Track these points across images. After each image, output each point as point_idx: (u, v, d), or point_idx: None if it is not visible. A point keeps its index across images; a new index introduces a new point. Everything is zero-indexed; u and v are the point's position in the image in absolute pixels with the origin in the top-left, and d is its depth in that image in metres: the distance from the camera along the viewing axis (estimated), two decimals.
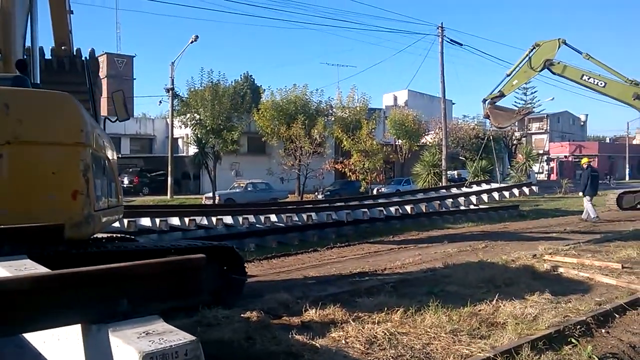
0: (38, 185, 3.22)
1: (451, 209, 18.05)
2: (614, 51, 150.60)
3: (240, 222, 12.41)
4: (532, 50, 14.87)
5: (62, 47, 6.29)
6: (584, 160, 18.46)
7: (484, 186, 20.24)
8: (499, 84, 15.37)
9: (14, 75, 3.69)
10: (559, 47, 14.68)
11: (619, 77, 14.76)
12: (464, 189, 19.79)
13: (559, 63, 14.72)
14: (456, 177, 32.13)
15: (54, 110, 3.32)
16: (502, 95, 15.21)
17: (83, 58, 6.17)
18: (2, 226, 2.52)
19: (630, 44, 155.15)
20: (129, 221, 10.50)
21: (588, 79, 14.69)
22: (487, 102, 15.37)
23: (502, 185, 20.39)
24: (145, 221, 11.25)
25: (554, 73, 15.14)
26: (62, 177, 3.28)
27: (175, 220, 11.65)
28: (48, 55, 6.14)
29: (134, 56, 54.36)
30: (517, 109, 15.84)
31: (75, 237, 3.34)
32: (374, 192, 29.75)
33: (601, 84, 14.63)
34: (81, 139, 3.36)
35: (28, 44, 4.92)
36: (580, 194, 17.39)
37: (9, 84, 3.38)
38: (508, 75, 15.22)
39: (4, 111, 3.09)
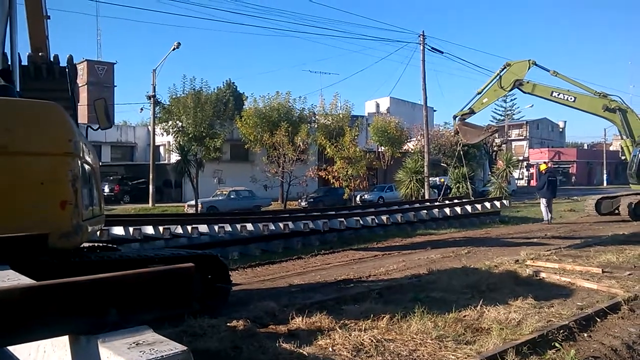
0: (26, 195, 3.18)
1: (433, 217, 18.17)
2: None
3: (217, 231, 12.24)
4: (502, 69, 15.19)
5: (40, 54, 6.19)
6: (543, 167, 18.99)
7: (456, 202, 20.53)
8: (469, 101, 15.79)
9: (0, 84, 3.64)
10: (529, 67, 15.08)
11: (587, 90, 15.21)
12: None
13: (528, 82, 15.10)
14: (438, 183, 32.37)
15: (41, 120, 3.28)
16: (472, 112, 15.58)
17: (64, 65, 6.07)
18: None
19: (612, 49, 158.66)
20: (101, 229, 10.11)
21: (558, 95, 15.13)
22: (457, 118, 15.68)
23: (474, 199, 20.88)
24: (119, 230, 10.85)
25: (524, 92, 15.59)
26: (50, 187, 3.24)
27: (149, 230, 11.32)
28: (23, 62, 6.02)
29: (115, 63, 53.98)
30: (485, 126, 16.21)
31: (63, 247, 3.31)
32: (357, 198, 29.81)
33: (571, 98, 15.09)
34: (70, 149, 3.32)
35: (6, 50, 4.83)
36: (540, 198, 17.85)
37: None
38: (479, 93, 15.52)
39: None
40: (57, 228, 3.15)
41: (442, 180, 24.49)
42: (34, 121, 3.26)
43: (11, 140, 3.12)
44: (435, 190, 27.22)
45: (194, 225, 12.08)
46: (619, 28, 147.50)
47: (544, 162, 21.17)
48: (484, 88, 15.42)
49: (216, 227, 12.28)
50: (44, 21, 6.34)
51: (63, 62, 6.09)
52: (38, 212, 3.19)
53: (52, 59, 6.24)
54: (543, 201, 17.61)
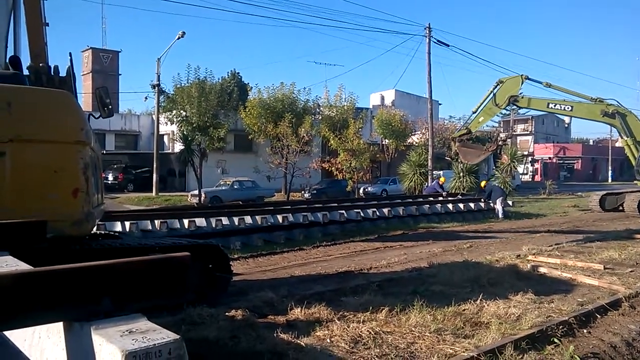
0: (40, 183, 3.19)
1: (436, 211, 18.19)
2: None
3: (214, 225, 12.29)
4: (495, 87, 15.02)
5: (40, 64, 6.17)
6: (483, 183, 20.94)
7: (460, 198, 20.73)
8: (465, 122, 15.65)
9: (12, 72, 3.62)
10: (522, 82, 14.92)
11: (583, 97, 15.15)
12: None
13: (522, 97, 14.95)
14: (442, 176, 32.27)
15: (55, 109, 3.28)
16: (469, 132, 15.44)
17: (63, 75, 6.04)
18: None
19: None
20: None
21: (554, 106, 15.07)
22: (455, 140, 15.54)
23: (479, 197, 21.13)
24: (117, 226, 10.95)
25: (520, 107, 15.56)
26: (63, 175, 3.25)
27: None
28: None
29: (120, 51, 53.61)
30: (485, 146, 16.01)
31: (75, 235, 3.34)
32: (361, 191, 29.78)
33: (568, 108, 15.05)
34: (82, 137, 3.33)
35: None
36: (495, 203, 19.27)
37: (8, 82, 3.31)
38: (474, 112, 15.38)
39: (7, 109, 3.04)
40: (69, 216, 3.17)
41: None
42: (47, 109, 3.25)
43: (24, 128, 3.12)
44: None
45: (191, 219, 12.17)
46: (628, 25, 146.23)
47: (484, 180, 22.53)
48: (479, 107, 15.25)
49: (213, 221, 12.38)
50: (43, 28, 6.34)
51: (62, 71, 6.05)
52: (51, 200, 3.20)
53: (52, 69, 6.23)
54: (498, 201, 18.96)
